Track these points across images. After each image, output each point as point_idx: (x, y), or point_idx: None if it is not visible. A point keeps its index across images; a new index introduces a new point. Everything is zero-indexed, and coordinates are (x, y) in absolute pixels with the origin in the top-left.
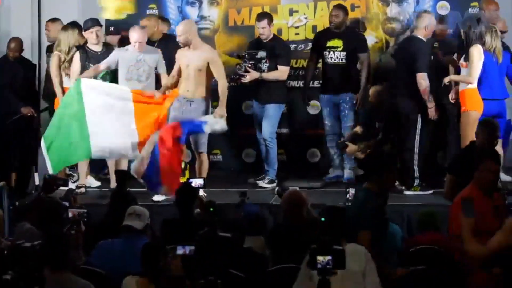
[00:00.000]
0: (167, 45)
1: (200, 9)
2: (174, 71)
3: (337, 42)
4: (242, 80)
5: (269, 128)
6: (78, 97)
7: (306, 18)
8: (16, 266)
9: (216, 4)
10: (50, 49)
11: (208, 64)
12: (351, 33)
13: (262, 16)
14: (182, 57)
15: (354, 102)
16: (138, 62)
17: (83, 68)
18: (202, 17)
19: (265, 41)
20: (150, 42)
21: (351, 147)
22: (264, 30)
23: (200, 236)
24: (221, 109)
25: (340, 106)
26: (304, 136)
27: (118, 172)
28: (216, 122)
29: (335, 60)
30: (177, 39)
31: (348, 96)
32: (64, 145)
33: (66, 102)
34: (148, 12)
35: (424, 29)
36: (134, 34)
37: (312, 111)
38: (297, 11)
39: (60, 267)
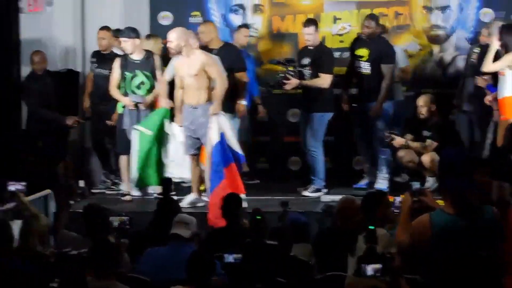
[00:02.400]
0: (228, 53)
1: (244, 16)
2: (165, 78)
3: (363, 52)
4: (284, 87)
5: (313, 137)
6: (162, 124)
7: (349, 25)
8: (62, 274)
9: (260, 11)
10: (101, 57)
11: (205, 67)
12: (379, 43)
13: (308, 22)
14: (180, 66)
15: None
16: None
17: (121, 76)
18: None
19: (310, 48)
20: (208, 49)
21: (399, 140)
22: (309, 37)
23: (247, 244)
24: (214, 107)
25: (366, 114)
26: (350, 144)
27: (164, 180)
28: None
29: (360, 69)
30: (168, 45)
31: (373, 105)
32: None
33: (153, 122)
34: (190, 19)
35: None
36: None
37: None
38: (340, 19)
39: (105, 275)
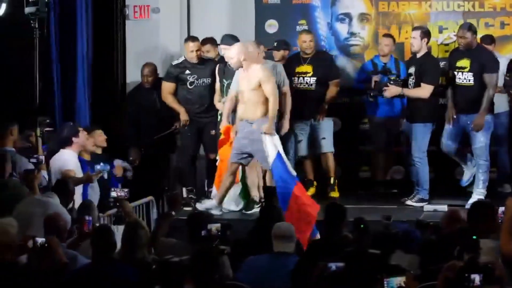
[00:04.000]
0: (321, 62)
1: (350, 25)
2: (231, 95)
3: (464, 63)
4: (384, 95)
5: (416, 147)
6: None
7: (455, 35)
8: (163, 281)
9: (366, 20)
10: (196, 66)
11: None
12: (480, 53)
13: (416, 27)
14: (240, 80)
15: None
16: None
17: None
18: (352, 34)
19: (417, 57)
20: (303, 57)
21: None
22: (413, 41)
23: (349, 253)
24: (268, 126)
25: (467, 127)
26: None
27: (266, 188)
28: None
29: (463, 81)
30: (229, 62)
31: (475, 116)
32: None
33: None
34: (298, 28)
35: None
36: (229, 51)
37: None
38: (446, 28)
39: (206, 283)
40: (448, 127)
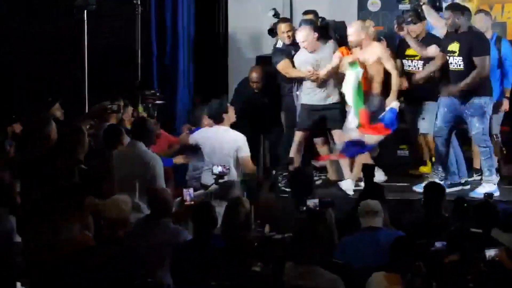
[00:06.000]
0: (427, 44)
1: None
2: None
3: (454, 47)
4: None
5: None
6: None
7: None
8: (264, 258)
9: (468, 0)
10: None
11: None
12: (468, 36)
13: (447, 8)
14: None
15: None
16: (317, 65)
17: None
18: None
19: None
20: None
21: None
22: (448, 21)
23: (452, 232)
24: (390, 99)
25: (463, 112)
26: None
27: (365, 166)
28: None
29: (454, 66)
30: (349, 39)
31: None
32: None
33: None
34: (400, 7)
35: None
36: (297, 34)
37: None
38: None
39: (306, 261)
40: (442, 109)
